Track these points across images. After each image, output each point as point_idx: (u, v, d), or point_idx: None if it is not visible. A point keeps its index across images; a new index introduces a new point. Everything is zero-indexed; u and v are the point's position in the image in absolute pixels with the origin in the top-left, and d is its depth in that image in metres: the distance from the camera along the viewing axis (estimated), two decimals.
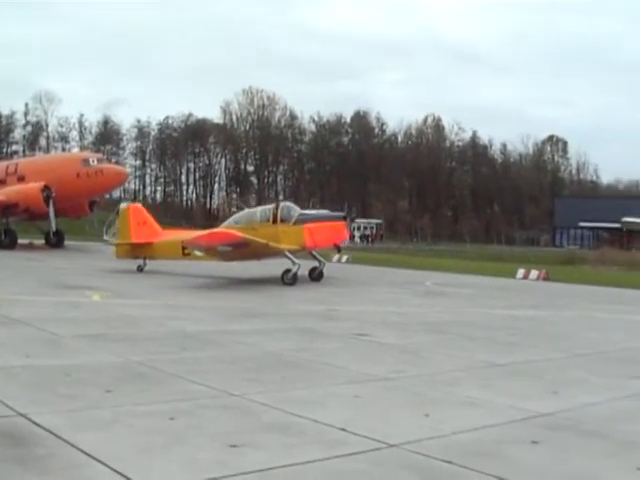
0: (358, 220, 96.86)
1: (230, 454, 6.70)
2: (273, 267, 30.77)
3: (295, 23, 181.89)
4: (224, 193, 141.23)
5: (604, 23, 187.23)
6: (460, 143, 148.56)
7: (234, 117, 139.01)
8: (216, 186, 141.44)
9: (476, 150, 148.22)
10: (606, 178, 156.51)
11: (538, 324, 19.72)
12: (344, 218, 31.20)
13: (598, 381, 11.44)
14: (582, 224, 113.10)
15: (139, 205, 36.95)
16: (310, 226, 29.48)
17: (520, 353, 14.04)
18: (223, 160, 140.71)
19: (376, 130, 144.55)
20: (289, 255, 28.73)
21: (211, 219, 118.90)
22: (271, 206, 30.95)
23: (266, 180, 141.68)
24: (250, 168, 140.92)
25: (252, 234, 27.90)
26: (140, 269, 31.97)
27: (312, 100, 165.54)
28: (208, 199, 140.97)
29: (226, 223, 31.78)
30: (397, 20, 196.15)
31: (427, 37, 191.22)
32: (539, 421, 8.58)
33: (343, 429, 7.66)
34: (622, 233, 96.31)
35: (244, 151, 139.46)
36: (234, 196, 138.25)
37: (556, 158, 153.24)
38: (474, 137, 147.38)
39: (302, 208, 32.45)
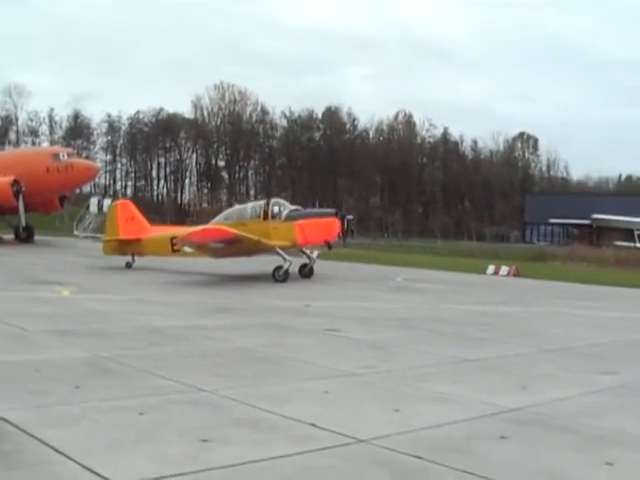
0: None
1: (200, 449, 6.68)
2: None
3: (265, 18, 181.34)
4: (195, 188, 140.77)
5: (574, 21, 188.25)
6: (431, 139, 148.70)
7: (205, 112, 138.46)
8: (187, 181, 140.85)
9: (447, 146, 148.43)
10: (576, 175, 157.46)
11: (508, 320, 19.83)
12: (335, 214, 30.78)
13: (567, 376, 11.53)
14: (552, 220, 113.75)
15: (127, 201, 36.64)
16: (301, 222, 29.27)
17: (490, 349, 14.11)
18: (194, 155, 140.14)
19: (347, 126, 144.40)
20: (280, 252, 28.54)
21: (182, 214, 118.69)
22: (262, 202, 30.74)
23: (237, 175, 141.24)
24: (221, 163, 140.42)
25: (242, 230, 27.67)
26: (129, 265, 31.60)
27: (283, 95, 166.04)
28: (179, 194, 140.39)
29: (216, 219, 31.43)
30: (367, 15, 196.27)
31: (397, 32, 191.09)
32: (508, 416, 8.63)
33: (313, 424, 7.66)
34: (592, 230, 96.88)
35: (215, 146, 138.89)
36: (205, 191, 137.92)
37: (527, 155, 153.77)
38: (445, 133, 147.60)
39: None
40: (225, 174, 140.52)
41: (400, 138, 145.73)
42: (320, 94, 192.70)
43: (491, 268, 42.44)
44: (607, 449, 7.45)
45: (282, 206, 30.44)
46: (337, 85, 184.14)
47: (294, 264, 29.01)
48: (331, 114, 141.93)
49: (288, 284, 27.53)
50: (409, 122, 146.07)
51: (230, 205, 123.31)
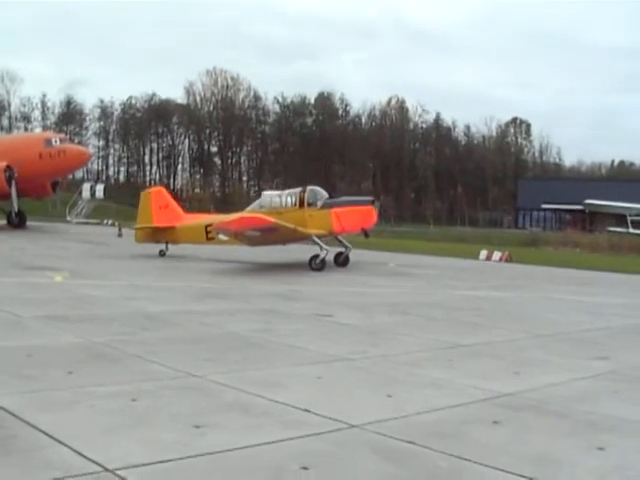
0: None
1: (192, 435, 6.68)
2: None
3: (259, 3, 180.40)
4: (187, 174, 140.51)
5: (568, 6, 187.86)
6: (424, 125, 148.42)
7: (198, 98, 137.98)
8: (179, 166, 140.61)
9: (440, 132, 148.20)
10: (569, 160, 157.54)
11: (501, 305, 19.86)
12: (372, 202, 30.44)
13: (560, 362, 11.55)
14: (545, 206, 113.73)
15: (161, 188, 36.49)
16: (338, 210, 28.97)
17: (483, 334, 14.12)
18: (187, 140, 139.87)
19: (340, 111, 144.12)
20: (317, 240, 28.38)
21: (174, 199, 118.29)
22: (298, 190, 30.31)
23: (230, 161, 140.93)
24: (214, 149, 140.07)
25: (278, 219, 27.36)
26: (162, 254, 31.51)
27: (276, 81, 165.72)
28: (171, 180, 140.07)
29: (250, 207, 31.14)
30: (361, 1, 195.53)
31: (391, 18, 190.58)
32: (501, 401, 8.65)
33: (306, 410, 7.67)
34: (584, 215, 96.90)
35: (207, 132, 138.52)
36: (197, 177, 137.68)
37: (519, 140, 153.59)
38: (437, 119, 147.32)
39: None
40: (217, 160, 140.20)
41: (392, 124, 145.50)
42: (313, 80, 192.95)
43: (483, 253, 42.52)
44: (599, 434, 7.46)
45: (318, 194, 30.13)
46: (330, 71, 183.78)
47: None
48: (324, 100, 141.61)
49: (272, 269, 27.56)
50: (402, 108, 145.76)
51: (224, 191, 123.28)
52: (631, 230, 65.89)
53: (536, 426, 7.66)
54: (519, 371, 10.52)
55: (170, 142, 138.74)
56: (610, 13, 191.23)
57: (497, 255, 41.87)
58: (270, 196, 31.83)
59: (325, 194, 30.32)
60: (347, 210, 29.17)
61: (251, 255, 31.36)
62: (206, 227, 29.88)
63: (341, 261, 30.49)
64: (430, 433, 7.10)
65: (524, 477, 6.06)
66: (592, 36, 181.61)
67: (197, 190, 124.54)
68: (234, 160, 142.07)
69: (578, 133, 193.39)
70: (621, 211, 70.69)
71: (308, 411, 7.62)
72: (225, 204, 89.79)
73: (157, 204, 32.77)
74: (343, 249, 30.94)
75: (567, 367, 11.12)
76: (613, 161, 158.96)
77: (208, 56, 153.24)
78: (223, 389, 8.49)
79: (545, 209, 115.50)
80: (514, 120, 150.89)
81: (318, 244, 28.25)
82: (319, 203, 29.34)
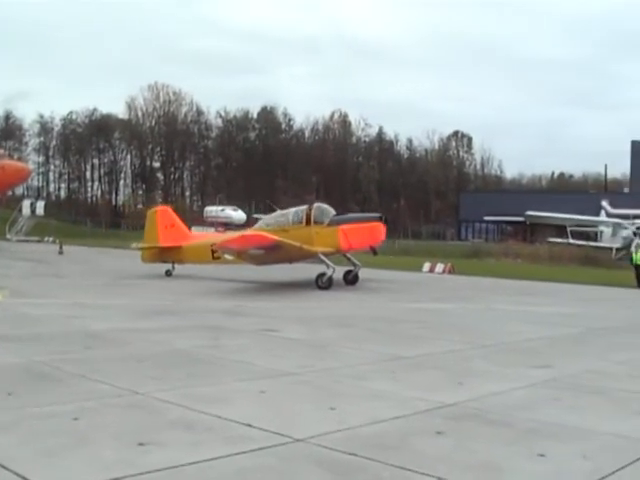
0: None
1: (136, 453, 6.64)
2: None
3: (200, 18, 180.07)
4: (130, 189, 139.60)
5: (508, 21, 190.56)
6: (367, 138, 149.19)
7: (139, 113, 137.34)
8: (121, 182, 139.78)
9: (382, 145, 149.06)
10: (510, 173, 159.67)
11: (444, 317, 20.00)
12: (380, 219, 29.83)
13: (502, 371, 11.68)
14: (487, 218, 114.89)
15: (167, 207, 35.90)
16: (345, 227, 28.53)
17: (426, 346, 14.21)
18: (129, 156, 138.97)
19: (283, 125, 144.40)
20: (323, 258, 28.09)
21: (117, 216, 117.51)
22: (304, 207, 29.84)
23: (172, 176, 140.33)
24: (156, 164, 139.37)
25: (284, 236, 27.08)
26: (169, 274, 31.08)
27: (219, 95, 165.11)
28: (113, 195, 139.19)
29: (257, 225, 30.92)
30: (303, 15, 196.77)
31: (333, 32, 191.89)
32: (444, 412, 8.72)
33: (249, 425, 7.66)
34: (525, 226, 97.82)
35: (150, 147, 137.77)
36: (140, 192, 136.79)
37: (461, 153, 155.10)
38: (380, 132, 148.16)
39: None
40: (160, 175, 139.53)
41: (335, 137, 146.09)
42: (256, 94, 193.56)
43: (427, 266, 42.71)
44: (540, 441, 7.57)
45: (325, 211, 29.75)
46: (273, 85, 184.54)
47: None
48: (266, 114, 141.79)
49: (217, 284, 27.46)
50: (344, 122, 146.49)
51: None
52: (571, 241, 66.65)
53: (478, 435, 7.75)
54: (462, 381, 10.61)
55: (112, 158, 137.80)
56: (550, 27, 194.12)
57: (440, 267, 42.09)
58: (277, 214, 31.24)
59: (332, 211, 29.88)
60: (354, 227, 28.72)
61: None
62: (212, 246, 29.40)
63: (350, 279, 30.08)
64: (373, 445, 7.14)
65: None
66: (531, 50, 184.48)
67: (140, 206, 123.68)
68: (177, 175, 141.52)
69: (519, 146, 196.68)
70: (561, 222, 71.45)
71: (250, 426, 7.62)
72: None
73: (163, 223, 32.30)
74: (352, 267, 30.55)
75: (509, 376, 11.25)
76: (553, 173, 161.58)
77: (150, 71, 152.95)
78: (167, 406, 8.45)
79: (487, 221, 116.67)
80: (456, 133, 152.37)
81: (325, 262, 27.99)
82: (326, 220, 28.90)
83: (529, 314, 21.24)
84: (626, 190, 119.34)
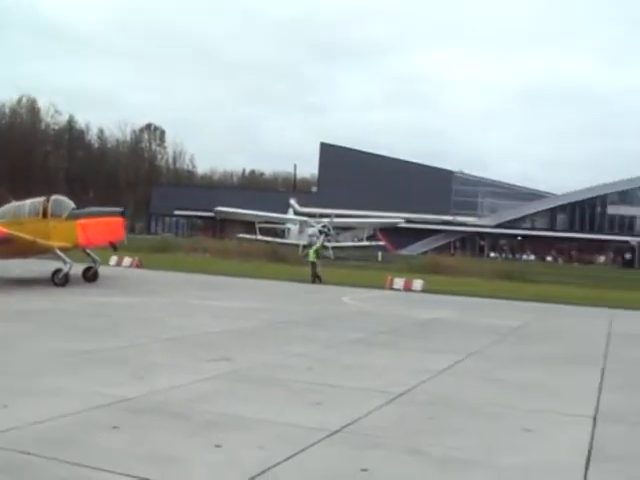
0: None
1: None
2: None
3: None
4: None
5: (208, 20, 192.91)
6: (56, 126, 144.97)
7: None
8: None
9: (72, 134, 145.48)
10: (202, 168, 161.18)
11: (128, 310, 19.95)
12: (122, 213, 28.70)
13: (184, 364, 11.87)
14: (177, 212, 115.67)
15: None
16: (83, 222, 27.00)
17: (109, 340, 14.12)
18: None
19: None
20: (60, 253, 26.39)
21: None
22: (41, 199, 27.88)
23: None
24: None
25: (18, 230, 25.24)
26: None
27: None
28: None
29: None
30: None
31: (26, 15, 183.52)
32: (123, 406, 8.75)
33: None
34: (215, 222, 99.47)
35: None
36: None
37: (153, 146, 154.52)
38: (71, 121, 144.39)
39: None
40: None
41: (23, 123, 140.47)
42: None
43: (114, 259, 42.14)
44: (218, 433, 7.84)
45: (63, 203, 28.10)
46: None
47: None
48: None
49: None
50: (33, 108, 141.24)
51: None
52: (259, 237, 68.61)
53: (157, 428, 7.87)
54: (143, 375, 10.67)
55: None
56: (244, 31, 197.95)
57: (127, 261, 41.71)
58: (13, 205, 28.91)
59: (71, 204, 28.38)
60: (94, 221, 27.45)
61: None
62: None
63: (90, 276, 28.67)
64: (47, 441, 7.06)
65: (136, 477, 6.24)
66: (229, 49, 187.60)
67: None
68: None
69: (212, 142, 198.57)
70: (250, 218, 73.30)
71: None
72: None
73: None
74: (92, 263, 29.10)
75: (191, 369, 11.45)
76: (244, 170, 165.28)
77: None
78: None
79: (178, 215, 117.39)
80: (149, 126, 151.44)
81: (61, 258, 26.50)
82: (64, 213, 27.46)
83: (214, 308, 21.67)
84: (314, 189, 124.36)
